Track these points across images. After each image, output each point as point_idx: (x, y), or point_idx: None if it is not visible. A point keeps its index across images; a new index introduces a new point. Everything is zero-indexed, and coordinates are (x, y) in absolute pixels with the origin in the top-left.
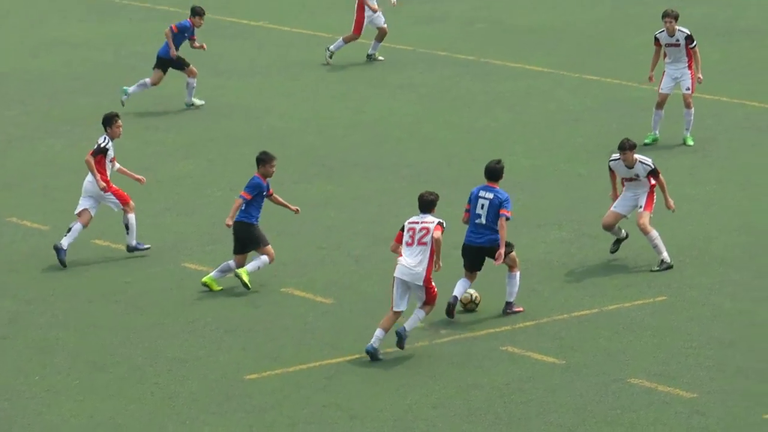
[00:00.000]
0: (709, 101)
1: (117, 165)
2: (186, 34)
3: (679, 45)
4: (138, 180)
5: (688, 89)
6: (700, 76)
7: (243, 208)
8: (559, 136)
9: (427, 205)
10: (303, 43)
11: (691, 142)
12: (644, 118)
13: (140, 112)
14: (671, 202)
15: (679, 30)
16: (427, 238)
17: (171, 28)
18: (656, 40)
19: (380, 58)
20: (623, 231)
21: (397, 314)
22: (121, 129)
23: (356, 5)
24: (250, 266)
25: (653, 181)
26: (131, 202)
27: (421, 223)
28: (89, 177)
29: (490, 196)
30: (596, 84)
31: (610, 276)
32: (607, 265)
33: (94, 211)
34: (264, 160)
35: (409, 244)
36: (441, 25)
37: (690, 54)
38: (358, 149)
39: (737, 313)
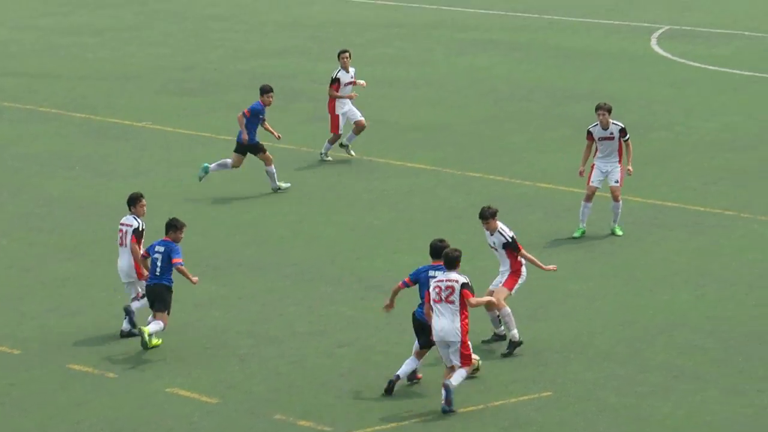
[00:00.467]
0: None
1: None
2: (260, 116)
3: (612, 138)
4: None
5: (616, 182)
6: (630, 168)
7: (159, 272)
8: (443, 234)
9: (451, 261)
10: (186, 143)
11: (620, 232)
12: (528, 213)
13: (23, 213)
14: (547, 267)
15: (612, 123)
16: (454, 297)
17: (243, 113)
18: (589, 134)
19: (352, 153)
20: (502, 327)
21: (451, 368)
22: (144, 208)
23: (327, 105)
24: (152, 327)
25: (518, 258)
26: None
27: (446, 281)
28: (126, 260)
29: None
30: (479, 181)
31: (496, 371)
32: (492, 361)
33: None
34: (176, 226)
35: (436, 301)
36: (324, 124)
37: (620, 148)
38: (242, 249)
39: (622, 407)
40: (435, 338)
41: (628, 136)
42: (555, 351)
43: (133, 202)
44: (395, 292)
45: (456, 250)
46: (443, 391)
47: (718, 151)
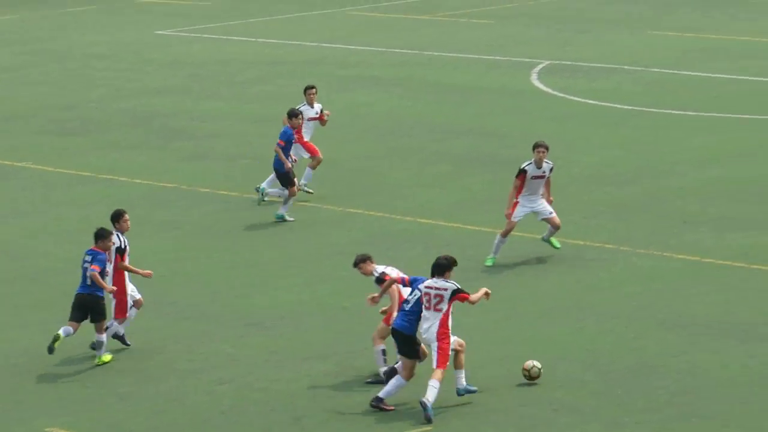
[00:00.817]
0: (471, 231)
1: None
2: (292, 141)
3: (544, 176)
4: (145, 275)
5: (551, 212)
6: (552, 198)
7: (89, 282)
8: (324, 270)
9: (441, 268)
10: (66, 183)
11: (558, 245)
12: (408, 249)
13: None
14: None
15: (545, 162)
16: (442, 305)
17: (278, 143)
18: (523, 172)
19: (310, 190)
20: (386, 366)
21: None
22: (128, 223)
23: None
24: (103, 351)
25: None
26: (126, 317)
27: (435, 289)
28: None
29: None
30: (360, 217)
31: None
32: (371, 397)
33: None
34: (103, 236)
35: (427, 308)
36: (204, 162)
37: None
38: None
39: None
40: (421, 339)
41: (550, 176)
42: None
43: (117, 217)
44: (390, 284)
45: (447, 257)
46: (422, 409)
47: (598, 184)
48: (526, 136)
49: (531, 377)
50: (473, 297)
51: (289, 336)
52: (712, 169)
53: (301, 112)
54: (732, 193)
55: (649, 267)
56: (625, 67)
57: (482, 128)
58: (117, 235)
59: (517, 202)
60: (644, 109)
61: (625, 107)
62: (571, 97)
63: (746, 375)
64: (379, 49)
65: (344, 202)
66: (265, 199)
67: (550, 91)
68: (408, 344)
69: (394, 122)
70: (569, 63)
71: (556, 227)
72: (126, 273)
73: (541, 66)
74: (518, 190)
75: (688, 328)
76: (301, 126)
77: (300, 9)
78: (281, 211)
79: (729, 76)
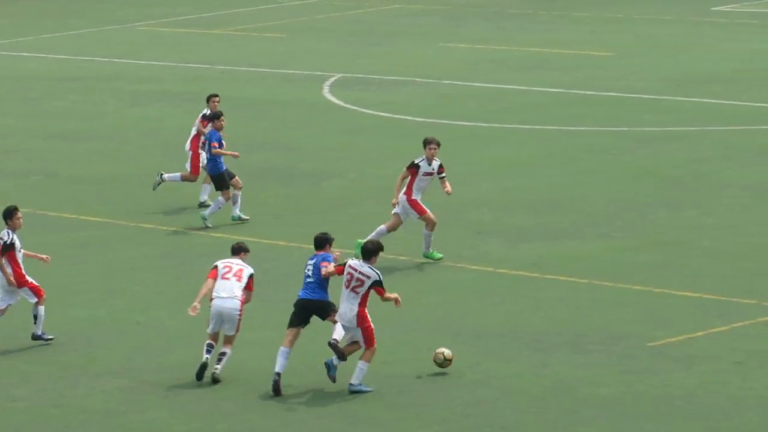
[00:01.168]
0: (266, 245)
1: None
2: (221, 141)
3: (432, 174)
4: (42, 259)
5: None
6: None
7: None
8: (117, 285)
9: (366, 253)
10: None
11: (439, 255)
12: (205, 264)
13: None
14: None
15: (434, 159)
16: (361, 290)
17: (212, 146)
18: (415, 166)
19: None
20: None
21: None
22: (21, 220)
23: (190, 142)
24: None
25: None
26: (44, 296)
27: (359, 273)
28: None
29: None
30: (154, 232)
31: (177, 425)
32: (170, 412)
33: (5, 304)
34: None
35: (346, 287)
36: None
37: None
38: None
39: None
40: (338, 319)
41: (444, 174)
42: (230, 399)
43: (9, 215)
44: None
45: (374, 242)
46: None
47: (390, 197)
48: (320, 148)
49: (443, 361)
50: (387, 294)
51: (83, 352)
52: (504, 180)
53: (222, 114)
54: (524, 204)
55: (444, 278)
56: (417, 79)
57: (276, 142)
58: (7, 231)
59: (415, 200)
60: (437, 121)
61: (418, 119)
62: (364, 110)
63: (540, 384)
64: (171, 64)
65: (137, 218)
66: (208, 222)
67: (342, 104)
68: (318, 309)
69: (186, 137)
70: (361, 76)
71: (431, 226)
72: (22, 264)
73: (333, 79)
74: (409, 185)
75: (482, 338)
76: (205, 127)
77: (91, 24)
78: (235, 212)
79: (519, 87)
